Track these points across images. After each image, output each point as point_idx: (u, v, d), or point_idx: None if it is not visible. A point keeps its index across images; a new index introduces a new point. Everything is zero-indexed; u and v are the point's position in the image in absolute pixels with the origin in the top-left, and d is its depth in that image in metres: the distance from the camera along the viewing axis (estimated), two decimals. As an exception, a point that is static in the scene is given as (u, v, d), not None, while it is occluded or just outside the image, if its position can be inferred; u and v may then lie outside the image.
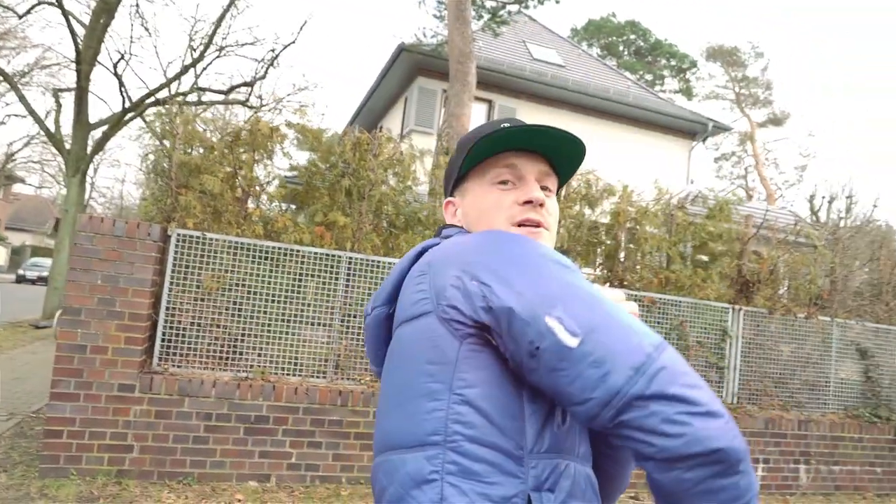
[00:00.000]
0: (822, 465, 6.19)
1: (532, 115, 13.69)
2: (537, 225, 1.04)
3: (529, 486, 0.82)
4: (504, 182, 1.06)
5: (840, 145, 51.77)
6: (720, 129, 16.92)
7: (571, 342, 0.78)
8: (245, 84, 14.69)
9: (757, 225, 7.02)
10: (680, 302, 6.04)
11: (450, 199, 1.16)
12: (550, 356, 0.79)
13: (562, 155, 1.10)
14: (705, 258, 7.01)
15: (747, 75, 31.32)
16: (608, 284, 6.29)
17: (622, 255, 6.42)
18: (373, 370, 1.16)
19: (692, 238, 6.80)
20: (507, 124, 1.07)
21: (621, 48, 31.39)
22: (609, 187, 6.46)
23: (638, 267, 6.50)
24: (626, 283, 6.26)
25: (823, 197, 16.93)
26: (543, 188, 1.08)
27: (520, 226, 1.04)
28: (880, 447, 6.50)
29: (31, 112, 13.56)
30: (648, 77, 29.97)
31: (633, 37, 31.16)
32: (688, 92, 31.34)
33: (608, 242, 6.54)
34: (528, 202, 1.04)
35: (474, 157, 1.07)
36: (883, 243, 7.86)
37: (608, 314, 0.81)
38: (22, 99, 13.56)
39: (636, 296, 5.84)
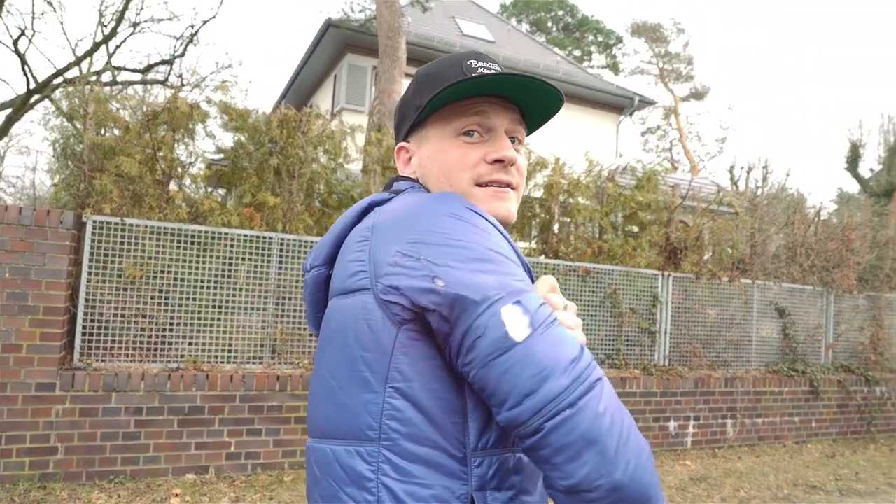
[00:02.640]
0: (747, 419, 6.56)
1: (464, 91, 13.64)
2: (506, 185, 0.93)
3: (473, 487, 0.77)
4: (470, 133, 0.92)
5: (755, 121, 54.41)
6: (646, 103, 17.40)
7: (519, 336, 0.72)
8: (163, 62, 13.93)
9: (683, 195, 7.27)
10: (612, 271, 6.21)
11: (403, 144, 1.01)
12: (492, 349, 0.73)
13: (536, 103, 0.96)
14: (635, 228, 7.23)
15: (670, 51, 32.32)
16: (543, 256, 6.39)
17: (556, 226, 6.52)
18: (311, 331, 1.04)
19: (622, 208, 6.99)
20: (477, 64, 0.94)
21: (550, 24, 31.69)
22: (541, 160, 6.52)
23: (572, 238, 6.62)
24: (560, 254, 6.37)
25: (742, 167, 17.84)
26: (513, 139, 0.96)
27: (486, 185, 0.92)
28: (797, 398, 6.94)
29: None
30: (577, 53, 30.43)
31: (560, 13, 31.48)
32: (615, 67, 32.05)
33: (542, 215, 6.63)
34: (499, 161, 0.92)
35: (437, 101, 0.92)
36: (797, 209, 8.32)
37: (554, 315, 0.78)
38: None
39: (570, 266, 5.96)
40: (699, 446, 6.23)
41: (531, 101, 0.96)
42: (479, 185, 0.92)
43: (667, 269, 6.62)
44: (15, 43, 12.62)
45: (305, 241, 4.90)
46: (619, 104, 16.49)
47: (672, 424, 6.09)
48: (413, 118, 0.97)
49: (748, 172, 10.34)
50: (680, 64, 32.13)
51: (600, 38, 31.86)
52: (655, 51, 32.13)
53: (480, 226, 0.82)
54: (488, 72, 0.93)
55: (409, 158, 1.00)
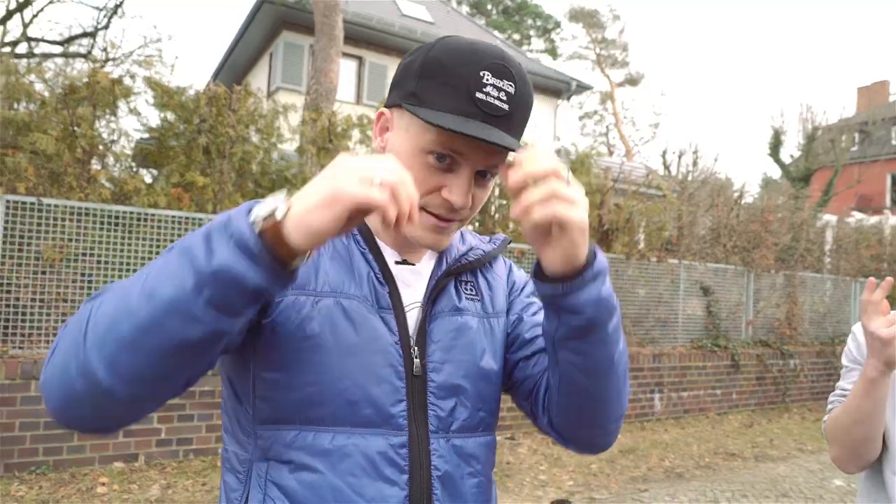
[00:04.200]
0: (673, 393, 6.89)
1: (403, 72, 13.52)
2: (449, 221, 0.85)
3: (256, 457, 0.82)
4: (441, 158, 0.82)
5: (694, 100, 56.35)
6: (583, 87, 17.73)
7: None
8: (85, 35, 13.17)
9: (615, 178, 7.50)
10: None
11: (385, 111, 0.89)
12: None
13: None
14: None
15: (606, 37, 32.99)
16: (481, 238, 6.45)
17: (493, 209, 6.61)
18: None
19: (557, 191, 7.13)
20: (491, 81, 0.81)
21: (489, 7, 31.72)
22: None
23: (509, 221, 6.73)
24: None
25: (674, 152, 18.52)
26: (484, 174, 0.86)
27: (431, 215, 0.84)
28: (719, 372, 7.33)
29: None
30: (516, 37, 30.62)
31: (500, -4, 31.57)
32: (553, 52, 32.46)
33: (480, 197, 6.69)
34: (448, 202, 0.83)
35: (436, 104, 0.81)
36: (721, 192, 8.72)
37: None
38: None
39: (507, 249, 6.05)
40: (628, 420, 6.50)
41: None
42: (425, 210, 0.83)
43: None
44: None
45: (238, 223, 4.78)
46: (556, 88, 16.73)
47: (603, 399, 6.32)
48: (403, 99, 0.85)
49: (679, 157, 10.75)
50: (616, 50, 32.87)
51: (539, 23, 32.16)
52: (592, 36, 32.73)
53: None
54: (494, 101, 0.81)
55: (386, 128, 0.89)
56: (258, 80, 14.53)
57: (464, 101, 0.80)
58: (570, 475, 4.83)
